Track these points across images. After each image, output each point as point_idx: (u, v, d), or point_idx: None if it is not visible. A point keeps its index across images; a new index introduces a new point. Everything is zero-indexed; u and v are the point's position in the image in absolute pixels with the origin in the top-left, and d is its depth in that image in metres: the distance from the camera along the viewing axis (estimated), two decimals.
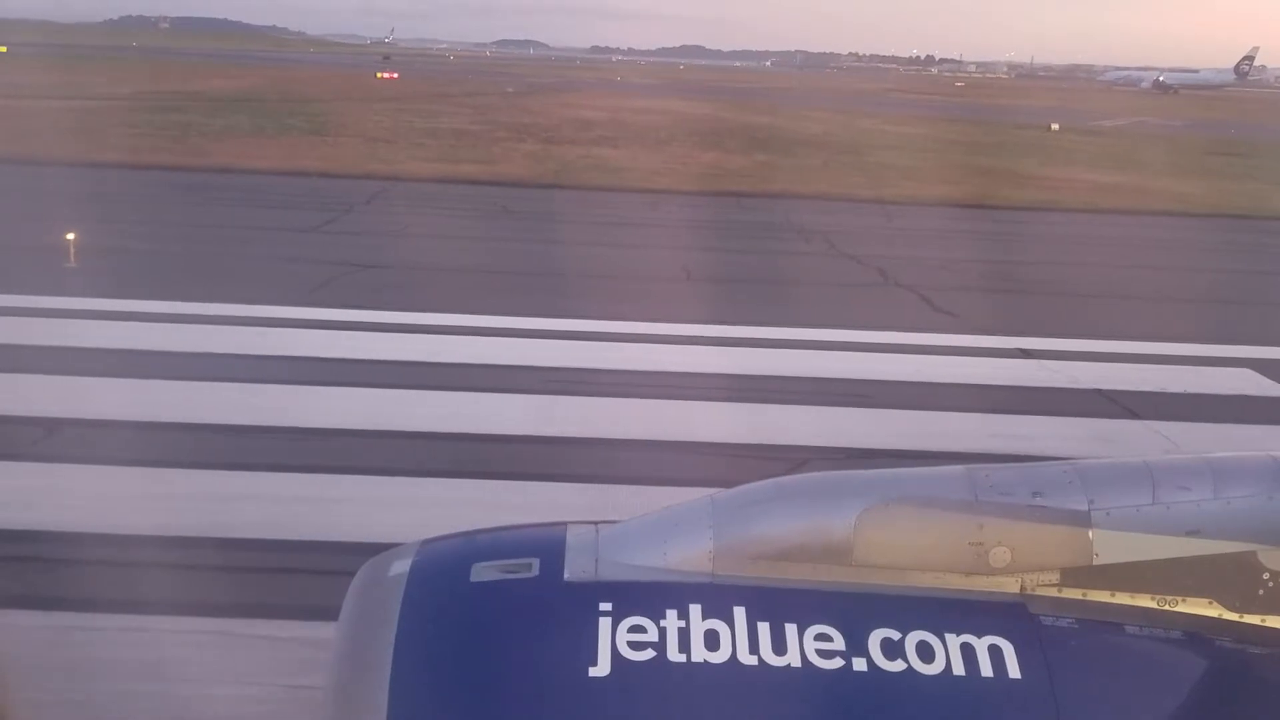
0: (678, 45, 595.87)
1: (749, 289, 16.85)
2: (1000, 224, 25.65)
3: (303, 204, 23.57)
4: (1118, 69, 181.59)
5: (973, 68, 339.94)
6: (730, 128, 52.80)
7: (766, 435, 9.84)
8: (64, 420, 9.40)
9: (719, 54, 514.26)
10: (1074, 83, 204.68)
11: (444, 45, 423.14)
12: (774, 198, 28.16)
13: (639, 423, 10.05)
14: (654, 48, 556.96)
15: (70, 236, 15.62)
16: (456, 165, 32.00)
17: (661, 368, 11.94)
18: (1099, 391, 11.80)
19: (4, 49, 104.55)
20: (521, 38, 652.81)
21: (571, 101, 70.04)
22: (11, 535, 7.20)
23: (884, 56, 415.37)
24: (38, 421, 9.29)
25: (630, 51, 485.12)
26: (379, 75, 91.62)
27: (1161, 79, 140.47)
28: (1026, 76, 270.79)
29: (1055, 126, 62.08)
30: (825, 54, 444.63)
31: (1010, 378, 12.33)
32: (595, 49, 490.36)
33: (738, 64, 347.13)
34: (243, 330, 12.59)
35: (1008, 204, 28.54)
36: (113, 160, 28.55)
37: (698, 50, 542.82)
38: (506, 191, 27.09)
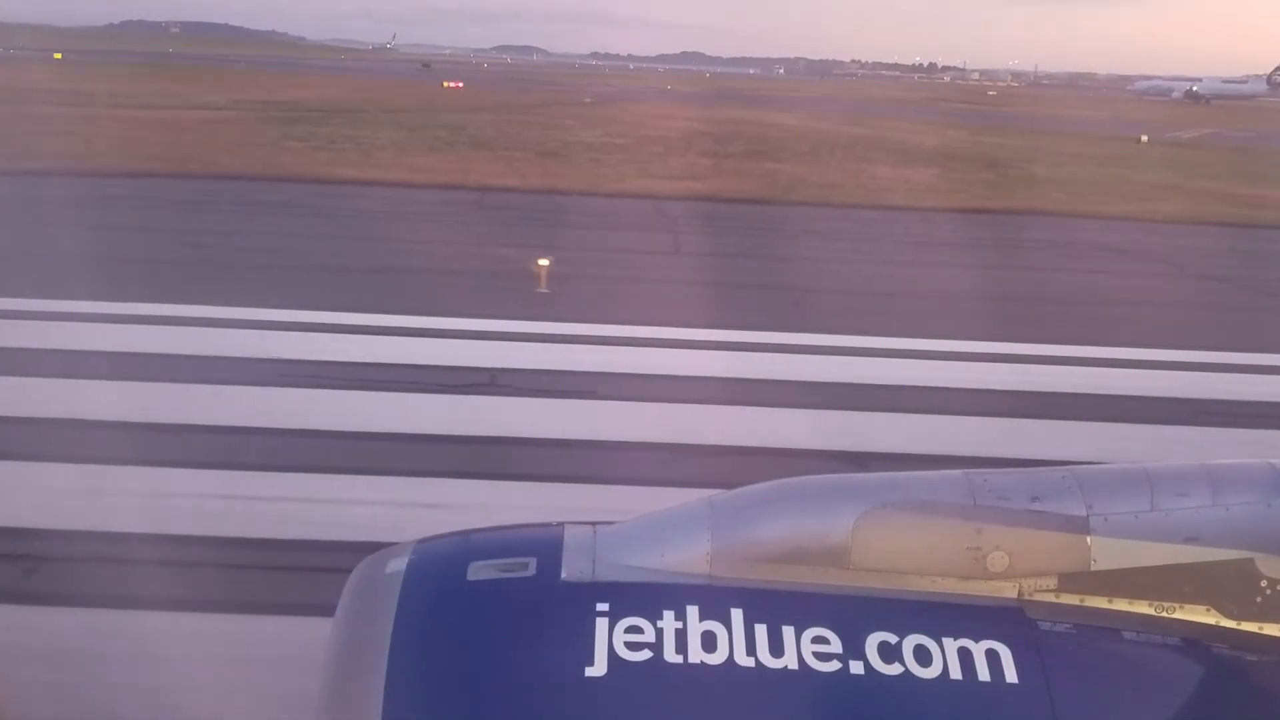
0: (678, 52, 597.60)
1: (1158, 314, 17.22)
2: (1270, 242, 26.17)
3: (611, 224, 23.92)
4: (1145, 79, 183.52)
5: (976, 75, 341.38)
6: (852, 139, 53.11)
7: None
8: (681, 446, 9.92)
9: (719, 60, 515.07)
10: (1097, 92, 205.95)
11: (446, 50, 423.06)
12: (1011, 214, 28.51)
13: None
14: (654, 54, 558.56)
15: (543, 263, 16.02)
16: (682, 183, 32.12)
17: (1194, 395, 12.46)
18: None
19: (59, 55, 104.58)
20: (522, 44, 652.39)
21: (661, 113, 69.05)
22: None
23: (887, 64, 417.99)
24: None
25: (630, 57, 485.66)
26: (445, 84, 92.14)
27: (1195, 89, 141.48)
28: (1034, 84, 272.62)
29: (1144, 139, 62.91)
30: (827, 60, 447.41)
31: None
32: (595, 55, 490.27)
33: (751, 70, 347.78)
34: (826, 359, 13.25)
35: (1233, 221, 29.09)
36: (327, 176, 28.90)
37: (698, 57, 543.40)
38: (764, 210, 27.34)
